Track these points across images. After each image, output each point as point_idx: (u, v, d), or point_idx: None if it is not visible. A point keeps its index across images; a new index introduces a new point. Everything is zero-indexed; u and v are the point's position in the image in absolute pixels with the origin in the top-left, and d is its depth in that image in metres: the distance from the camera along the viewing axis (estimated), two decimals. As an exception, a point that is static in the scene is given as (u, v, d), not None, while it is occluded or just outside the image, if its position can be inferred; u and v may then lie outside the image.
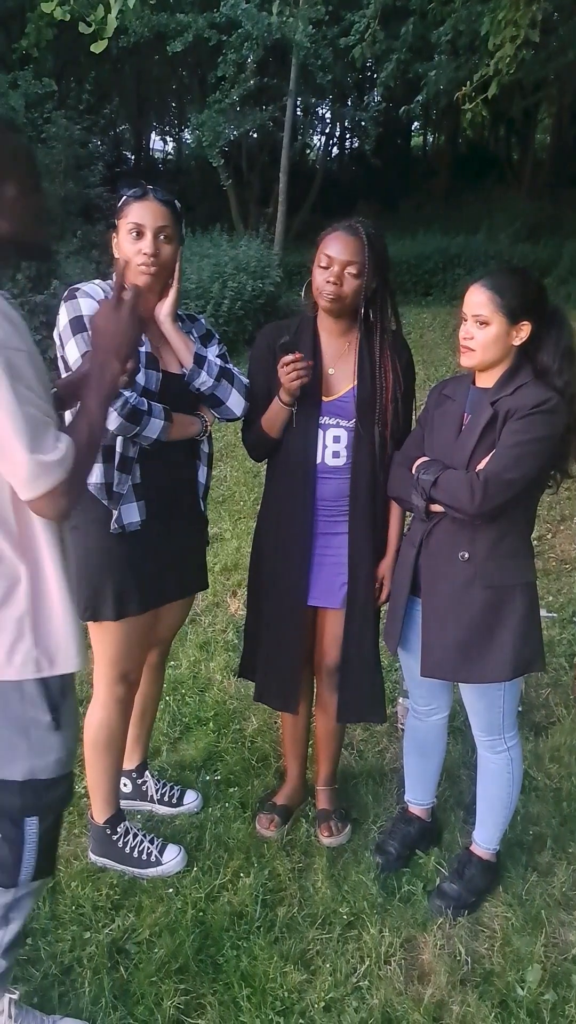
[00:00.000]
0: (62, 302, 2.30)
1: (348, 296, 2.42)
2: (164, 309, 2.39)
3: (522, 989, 2.30)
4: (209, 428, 2.51)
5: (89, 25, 4.18)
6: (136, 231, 2.29)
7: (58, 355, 2.30)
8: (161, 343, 2.42)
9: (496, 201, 16.86)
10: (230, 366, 2.51)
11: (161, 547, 2.46)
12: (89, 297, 2.27)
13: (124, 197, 2.33)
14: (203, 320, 2.62)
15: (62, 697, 1.89)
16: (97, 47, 4.17)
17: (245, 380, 2.54)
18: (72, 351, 2.23)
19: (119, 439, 2.30)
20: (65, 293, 2.31)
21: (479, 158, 21.65)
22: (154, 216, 2.30)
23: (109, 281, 2.39)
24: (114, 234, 2.38)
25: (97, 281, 2.38)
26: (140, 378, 2.28)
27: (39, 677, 1.83)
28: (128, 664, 2.54)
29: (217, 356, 2.51)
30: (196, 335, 2.52)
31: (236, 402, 2.49)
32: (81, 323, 2.23)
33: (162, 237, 2.31)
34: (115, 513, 2.34)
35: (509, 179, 19.73)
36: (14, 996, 2.12)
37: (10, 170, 1.74)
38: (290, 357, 2.36)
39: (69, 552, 1.89)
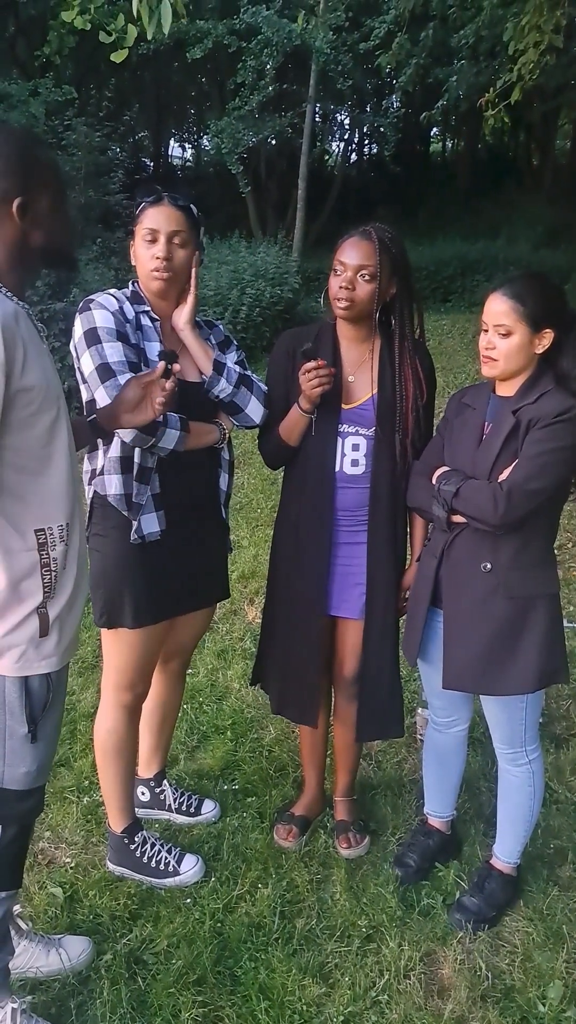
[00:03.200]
0: (77, 314, 2.29)
1: (361, 301, 2.41)
2: (183, 316, 2.38)
3: (543, 1006, 2.27)
4: (227, 435, 2.50)
5: (109, 34, 4.19)
6: (150, 236, 2.28)
7: (75, 366, 2.30)
8: (179, 350, 2.41)
9: (515, 207, 16.80)
10: (249, 372, 2.50)
11: (181, 556, 2.45)
12: (103, 308, 2.27)
13: (141, 204, 2.32)
14: (221, 326, 2.61)
15: (43, 710, 1.91)
16: (118, 56, 4.19)
17: (264, 387, 2.53)
18: (87, 363, 2.23)
19: (136, 450, 2.29)
20: (80, 305, 2.31)
21: (498, 163, 21.59)
22: (168, 220, 2.29)
23: (124, 290, 2.39)
24: (131, 242, 2.37)
25: (112, 291, 2.37)
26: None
27: (20, 676, 1.86)
28: (137, 672, 2.53)
29: (236, 363, 2.50)
30: (214, 341, 2.51)
31: (255, 409, 2.48)
32: (95, 335, 2.23)
33: (176, 241, 2.30)
34: (135, 523, 2.34)
35: (529, 184, 19.67)
36: (16, 1005, 2.11)
37: (43, 184, 1.79)
38: (312, 364, 2.35)
39: (70, 554, 1.90)
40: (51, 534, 1.84)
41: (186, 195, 2.35)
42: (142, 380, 2.08)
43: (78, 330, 2.26)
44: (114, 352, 2.22)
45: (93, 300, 2.30)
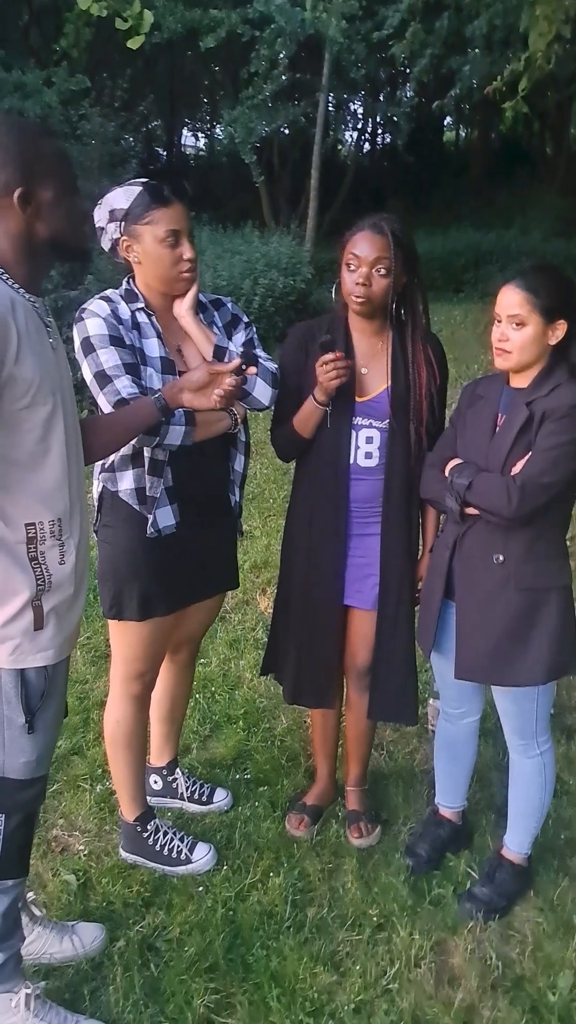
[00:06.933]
0: (74, 324, 2.29)
1: (377, 296, 2.40)
2: (185, 303, 2.36)
3: (553, 995, 2.28)
4: (239, 420, 2.46)
5: (125, 21, 4.18)
6: (172, 237, 2.26)
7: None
8: (182, 340, 2.40)
9: (529, 197, 16.72)
10: (257, 352, 2.47)
11: (192, 547, 2.45)
12: (95, 316, 2.26)
13: (143, 201, 2.26)
14: (230, 304, 2.57)
15: (41, 702, 1.93)
16: (134, 43, 4.19)
17: (273, 367, 2.48)
18: (86, 372, 2.24)
19: None
20: (76, 315, 2.31)
21: (512, 153, 21.43)
22: (185, 218, 2.29)
23: (118, 291, 2.36)
24: (124, 238, 2.30)
25: (108, 292, 2.35)
26: (157, 385, 2.26)
27: (16, 668, 1.88)
28: (146, 662, 2.54)
29: (244, 343, 2.47)
30: (220, 323, 2.49)
31: (263, 391, 2.43)
32: (89, 344, 2.24)
33: (191, 238, 2.31)
34: (151, 517, 2.34)
35: (542, 174, 19.54)
36: (29, 991, 2.13)
37: (46, 174, 1.77)
38: (330, 356, 2.34)
39: (67, 549, 1.91)
40: (41, 528, 1.84)
41: (180, 183, 2.33)
42: (213, 367, 2.12)
43: (76, 341, 2.26)
44: (108, 358, 2.22)
45: (85, 309, 2.30)
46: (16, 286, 1.78)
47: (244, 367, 2.14)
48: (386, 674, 2.66)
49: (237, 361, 2.13)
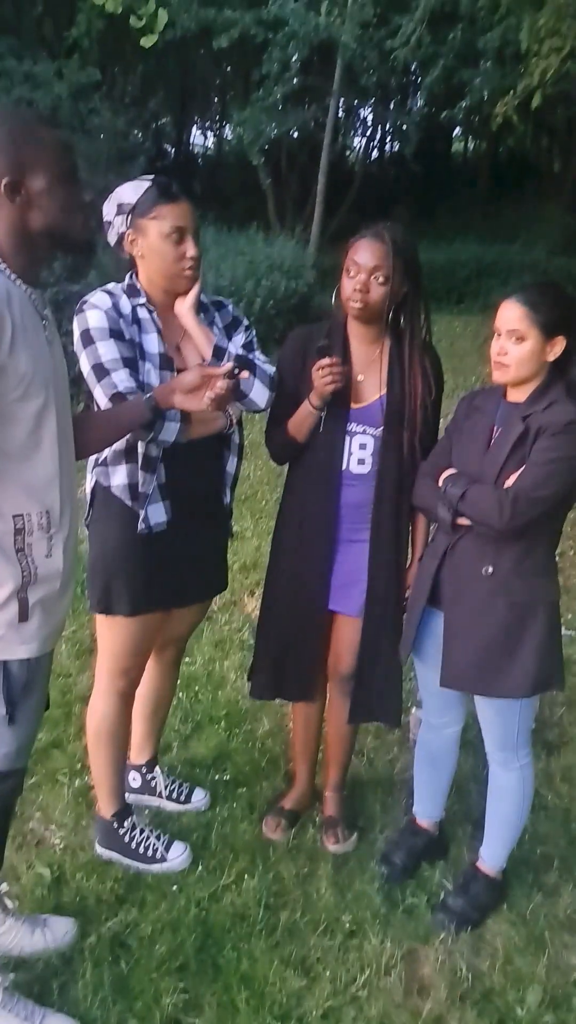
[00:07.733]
0: (74, 316, 2.29)
1: (375, 303, 2.41)
2: (187, 302, 2.36)
3: (521, 1009, 2.29)
4: (234, 421, 2.46)
5: (140, 19, 4.18)
6: (177, 234, 2.26)
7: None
8: (182, 339, 2.40)
9: (534, 212, 16.75)
10: (256, 354, 2.47)
11: (182, 546, 2.44)
12: (95, 308, 2.26)
13: (151, 196, 2.26)
14: (230, 306, 2.57)
15: (22, 693, 1.92)
16: (147, 41, 4.17)
17: (270, 369, 2.47)
18: (84, 364, 2.24)
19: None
20: (76, 307, 2.31)
21: (519, 167, 21.51)
22: (192, 217, 2.29)
23: (121, 284, 2.37)
24: (130, 232, 2.30)
25: (109, 285, 2.35)
26: (154, 381, 2.26)
27: None
28: (132, 659, 2.54)
29: (243, 344, 2.47)
30: (220, 324, 2.49)
31: (259, 393, 2.43)
32: (88, 336, 2.24)
33: (197, 236, 2.31)
34: (141, 513, 2.34)
35: (549, 190, 19.59)
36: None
37: (37, 164, 1.75)
38: (326, 361, 2.35)
39: (55, 542, 1.90)
40: (29, 521, 1.84)
41: (188, 184, 2.33)
42: (206, 370, 2.13)
43: (76, 332, 2.26)
44: (107, 351, 2.23)
45: (86, 301, 2.29)
46: (13, 277, 1.78)
47: (237, 371, 2.14)
48: (369, 679, 2.66)
49: (229, 365, 2.13)
